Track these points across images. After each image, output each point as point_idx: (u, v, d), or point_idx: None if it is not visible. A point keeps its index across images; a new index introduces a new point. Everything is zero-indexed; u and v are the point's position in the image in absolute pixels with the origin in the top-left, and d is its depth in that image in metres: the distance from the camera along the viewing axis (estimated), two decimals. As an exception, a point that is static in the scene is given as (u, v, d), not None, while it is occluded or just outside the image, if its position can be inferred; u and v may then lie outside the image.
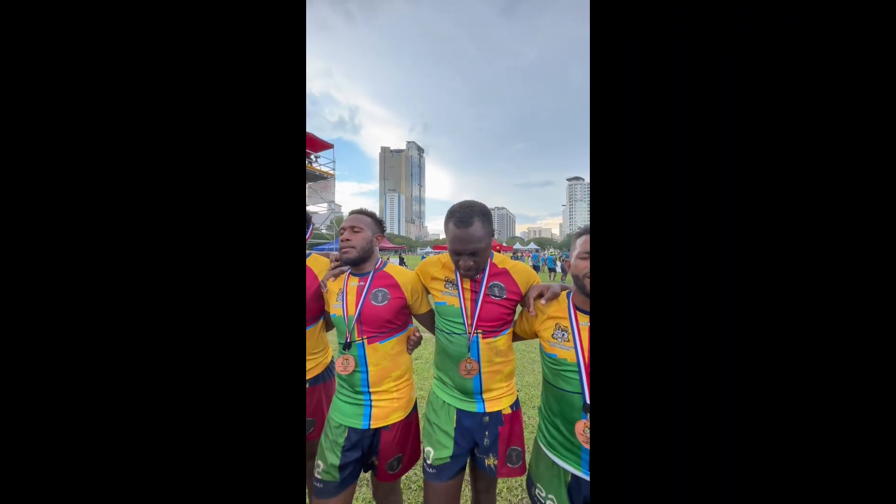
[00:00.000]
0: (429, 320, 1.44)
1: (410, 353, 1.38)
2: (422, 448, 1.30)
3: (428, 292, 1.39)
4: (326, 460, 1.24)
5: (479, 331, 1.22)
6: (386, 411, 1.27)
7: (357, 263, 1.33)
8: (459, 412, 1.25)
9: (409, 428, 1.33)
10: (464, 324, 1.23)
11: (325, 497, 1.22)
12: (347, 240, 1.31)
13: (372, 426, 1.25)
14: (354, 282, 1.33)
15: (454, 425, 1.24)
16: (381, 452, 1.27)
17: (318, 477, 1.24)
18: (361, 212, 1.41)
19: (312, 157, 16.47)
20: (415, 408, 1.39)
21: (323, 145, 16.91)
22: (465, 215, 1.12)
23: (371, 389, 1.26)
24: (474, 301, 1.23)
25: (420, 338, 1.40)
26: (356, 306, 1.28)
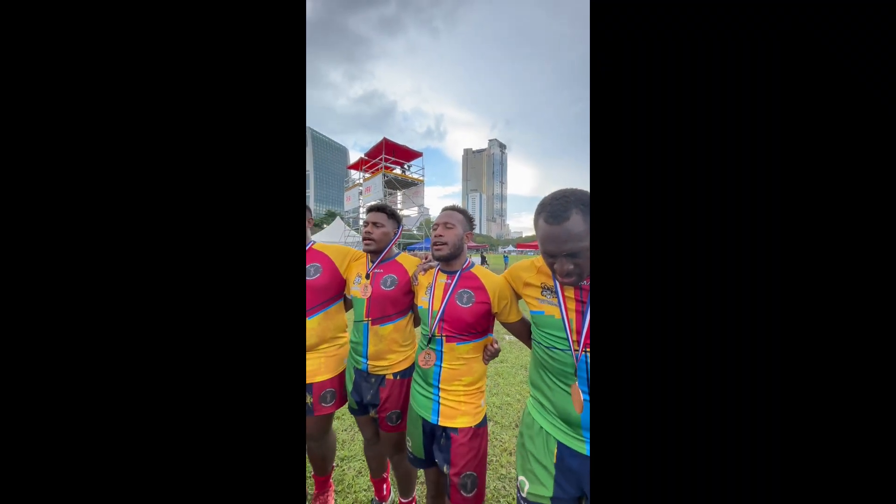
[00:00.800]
0: (520, 330, 1.30)
1: (486, 364, 1.32)
2: (516, 476, 1.13)
3: (519, 297, 1.25)
4: (411, 441, 1.36)
5: (588, 349, 0.96)
6: (454, 412, 1.24)
7: (447, 260, 1.31)
8: (562, 447, 0.99)
9: (480, 441, 1.25)
10: (567, 339, 0.99)
11: (418, 466, 1.38)
12: (440, 236, 1.29)
13: (440, 423, 1.25)
14: (443, 279, 1.33)
15: (554, 461, 0.99)
16: (453, 459, 1.20)
17: (409, 450, 1.38)
18: (453, 208, 1.37)
19: (405, 165, 18.58)
20: (484, 420, 1.29)
21: (413, 155, 18.69)
22: (559, 208, 0.88)
23: (441, 385, 1.26)
24: (580, 312, 0.98)
25: (498, 349, 1.31)
26: (441, 303, 1.27)
